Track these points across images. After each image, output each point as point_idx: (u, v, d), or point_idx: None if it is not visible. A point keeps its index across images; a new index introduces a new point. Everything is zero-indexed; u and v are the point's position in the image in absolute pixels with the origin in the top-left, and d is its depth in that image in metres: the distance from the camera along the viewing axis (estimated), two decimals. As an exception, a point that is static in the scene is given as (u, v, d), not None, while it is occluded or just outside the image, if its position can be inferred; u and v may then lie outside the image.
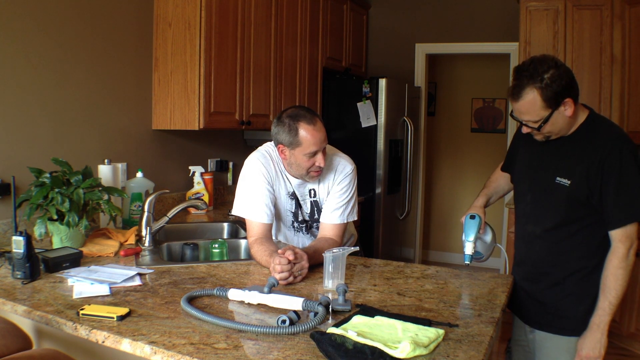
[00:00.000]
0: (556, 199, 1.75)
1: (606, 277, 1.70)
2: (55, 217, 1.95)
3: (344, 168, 2.07)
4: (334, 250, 1.65)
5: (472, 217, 1.95)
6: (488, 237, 2.01)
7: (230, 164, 3.66)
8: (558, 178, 1.74)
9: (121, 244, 2.15)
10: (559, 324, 1.81)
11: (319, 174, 2.00)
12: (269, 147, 2.09)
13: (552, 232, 1.78)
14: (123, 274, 1.72)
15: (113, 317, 1.35)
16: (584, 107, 1.77)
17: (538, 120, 1.67)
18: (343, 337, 1.20)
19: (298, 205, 2.10)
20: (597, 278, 1.72)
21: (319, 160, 1.93)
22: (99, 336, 1.29)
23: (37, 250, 1.76)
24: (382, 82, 4.09)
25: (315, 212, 2.11)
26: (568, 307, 1.79)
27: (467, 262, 1.93)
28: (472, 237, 1.92)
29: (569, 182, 1.71)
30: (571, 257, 1.77)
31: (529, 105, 1.64)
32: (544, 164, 1.81)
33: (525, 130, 1.74)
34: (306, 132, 1.88)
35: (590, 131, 1.73)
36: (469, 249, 1.92)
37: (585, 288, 1.76)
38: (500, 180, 2.14)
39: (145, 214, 2.20)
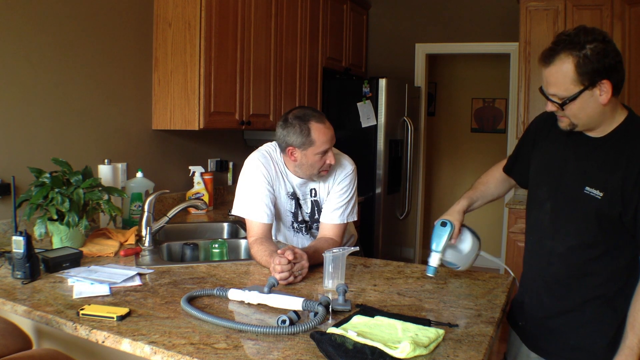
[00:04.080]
0: (583, 212, 1.46)
1: (637, 311, 1.41)
2: (55, 217, 1.95)
3: (345, 168, 2.07)
4: (334, 250, 1.65)
5: (444, 224, 1.70)
6: (465, 246, 1.76)
7: (230, 164, 3.66)
8: (587, 188, 1.45)
9: (121, 244, 2.15)
10: (573, 355, 1.54)
11: (328, 172, 2.01)
12: (269, 147, 2.09)
13: (575, 252, 1.50)
14: (123, 274, 1.72)
15: (113, 317, 1.35)
16: (623, 106, 1.48)
17: (564, 97, 1.40)
18: (343, 337, 1.20)
19: (298, 205, 2.10)
20: (620, 304, 1.47)
21: (330, 157, 1.94)
22: (99, 336, 1.29)
23: (37, 250, 1.76)
24: (382, 82, 4.09)
25: (316, 211, 2.11)
26: (585, 338, 1.51)
27: (429, 275, 1.71)
28: (439, 247, 1.69)
29: (601, 194, 1.42)
30: (593, 282, 1.49)
31: (559, 74, 1.38)
32: (569, 169, 1.52)
33: (549, 107, 1.46)
34: (318, 131, 1.89)
35: (629, 135, 1.44)
36: (433, 261, 1.69)
37: (606, 316, 1.49)
38: (491, 183, 1.86)
39: (145, 214, 2.20)
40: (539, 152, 1.64)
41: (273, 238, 2.13)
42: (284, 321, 1.30)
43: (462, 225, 1.77)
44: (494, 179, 1.87)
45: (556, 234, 1.53)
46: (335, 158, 2.07)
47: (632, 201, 1.39)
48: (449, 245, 1.72)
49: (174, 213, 2.29)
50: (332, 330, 1.25)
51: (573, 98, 1.39)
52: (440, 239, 1.69)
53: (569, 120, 1.45)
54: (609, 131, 1.46)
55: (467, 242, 1.77)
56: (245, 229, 2.24)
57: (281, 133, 1.94)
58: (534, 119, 1.73)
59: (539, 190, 1.61)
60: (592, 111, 1.41)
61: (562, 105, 1.41)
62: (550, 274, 1.56)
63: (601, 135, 1.47)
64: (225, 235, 2.78)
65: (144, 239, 2.14)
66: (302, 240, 2.17)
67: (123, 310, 1.38)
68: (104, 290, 1.59)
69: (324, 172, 1.99)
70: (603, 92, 1.37)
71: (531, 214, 1.65)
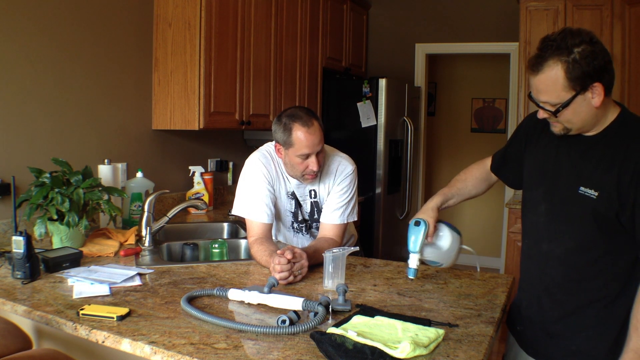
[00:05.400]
0: (579, 213, 1.43)
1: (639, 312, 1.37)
2: (55, 217, 1.95)
3: (345, 168, 2.07)
4: (334, 250, 1.65)
5: (417, 223, 1.65)
6: (445, 243, 1.72)
7: (230, 164, 3.66)
8: (582, 188, 1.42)
9: (121, 244, 2.15)
10: None
11: (314, 177, 1.99)
12: (270, 147, 2.09)
13: (574, 255, 1.47)
14: (123, 274, 1.72)
15: (113, 317, 1.35)
16: (615, 103, 1.45)
17: (556, 104, 1.36)
18: (343, 337, 1.20)
19: (298, 205, 2.10)
20: (621, 307, 1.43)
21: (312, 163, 1.92)
22: (99, 336, 1.29)
23: (37, 250, 1.76)
24: (382, 82, 4.09)
25: (315, 212, 2.11)
26: (585, 343, 1.48)
27: (410, 277, 1.67)
28: (416, 248, 1.64)
29: (596, 193, 1.39)
30: (592, 285, 1.46)
31: (549, 82, 1.35)
32: (564, 169, 1.48)
33: (541, 114, 1.44)
34: (299, 134, 1.88)
35: (623, 132, 1.41)
36: (412, 262, 1.65)
37: (607, 320, 1.45)
38: (469, 181, 1.83)
39: (145, 214, 2.20)
40: (531, 153, 1.60)
41: (273, 238, 2.13)
42: (284, 321, 1.30)
43: (439, 221, 1.74)
44: (473, 178, 1.83)
45: (553, 236, 1.50)
46: (334, 158, 2.07)
47: (629, 199, 1.35)
48: (426, 244, 1.69)
49: (174, 213, 2.29)
50: (332, 330, 1.25)
51: (566, 104, 1.35)
52: (416, 239, 1.65)
53: (562, 126, 1.42)
54: (602, 129, 1.43)
55: (446, 238, 1.73)
56: (245, 229, 2.24)
57: (273, 128, 1.98)
58: (525, 118, 1.69)
59: (534, 192, 1.57)
60: (586, 115, 1.38)
61: (555, 112, 1.38)
62: (548, 277, 1.52)
63: (594, 134, 1.44)
64: (225, 235, 2.78)
65: (144, 239, 2.14)
66: (302, 241, 2.17)
67: (123, 310, 1.38)
68: (104, 290, 1.59)
69: (308, 177, 1.98)
70: (595, 94, 1.34)
71: (526, 217, 1.61)
